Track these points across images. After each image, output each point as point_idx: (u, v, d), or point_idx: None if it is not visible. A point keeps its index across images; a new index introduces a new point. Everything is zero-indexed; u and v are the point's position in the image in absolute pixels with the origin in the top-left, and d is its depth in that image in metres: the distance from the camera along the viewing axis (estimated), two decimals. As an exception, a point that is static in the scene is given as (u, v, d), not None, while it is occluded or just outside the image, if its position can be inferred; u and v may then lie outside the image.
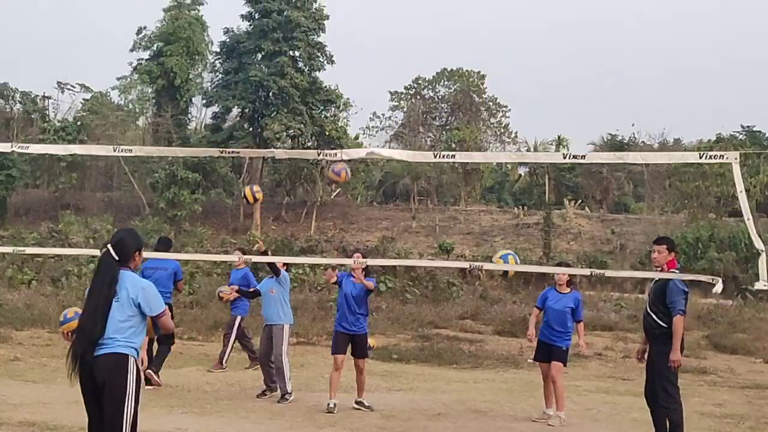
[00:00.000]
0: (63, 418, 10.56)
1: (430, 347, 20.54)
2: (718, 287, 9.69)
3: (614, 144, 63.97)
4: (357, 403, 12.56)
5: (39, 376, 14.28)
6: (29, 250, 23.37)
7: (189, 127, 62.77)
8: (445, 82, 73.75)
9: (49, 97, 65.29)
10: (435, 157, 10.33)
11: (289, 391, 12.85)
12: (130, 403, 6.62)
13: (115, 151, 10.78)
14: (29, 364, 15.73)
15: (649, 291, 10.47)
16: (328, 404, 12.30)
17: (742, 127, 65.29)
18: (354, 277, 12.37)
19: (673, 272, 10.15)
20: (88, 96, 64.32)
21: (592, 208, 60.07)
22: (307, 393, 13.89)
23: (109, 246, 6.93)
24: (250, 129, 55.31)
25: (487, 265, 21.23)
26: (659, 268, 10.40)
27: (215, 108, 58.12)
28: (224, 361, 15.88)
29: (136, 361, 6.77)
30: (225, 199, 54.84)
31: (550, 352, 12.40)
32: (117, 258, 6.88)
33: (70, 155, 53.04)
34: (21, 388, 13.20)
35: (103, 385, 6.59)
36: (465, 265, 26.35)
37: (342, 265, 19.47)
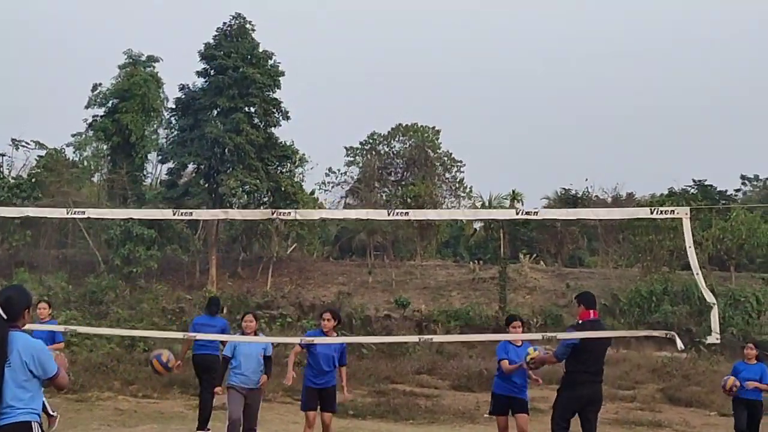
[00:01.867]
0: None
1: (386, 402, 20.58)
2: (680, 344, 9.93)
3: (568, 198, 64.50)
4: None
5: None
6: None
7: (144, 184, 62.55)
8: (400, 137, 74.17)
9: (3, 155, 64.86)
10: (389, 214, 10.45)
11: None
12: None
13: (68, 213, 10.77)
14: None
15: None
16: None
17: (694, 181, 66.25)
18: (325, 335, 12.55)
19: (574, 324, 11.81)
20: (42, 153, 63.90)
21: (547, 262, 60.31)
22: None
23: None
24: (206, 185, 55.16)
25: (436, 338, 21.48)
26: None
27: (171, 164, 57.84)
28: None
29: (39, 425, 6.63)
30: (181, 255, 54.54)
31: (512, 405, 12.62)
32: (5, 317, 6.63)
33: (25, 213, 52.76)
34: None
35: None
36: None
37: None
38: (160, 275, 51.61)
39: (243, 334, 12.87)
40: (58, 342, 14.04)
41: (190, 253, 55.35)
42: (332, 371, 12.61)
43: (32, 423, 6.55)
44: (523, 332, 13.31)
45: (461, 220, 70.57)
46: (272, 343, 13.85)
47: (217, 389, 13.11)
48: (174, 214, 10.34)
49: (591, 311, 11.55)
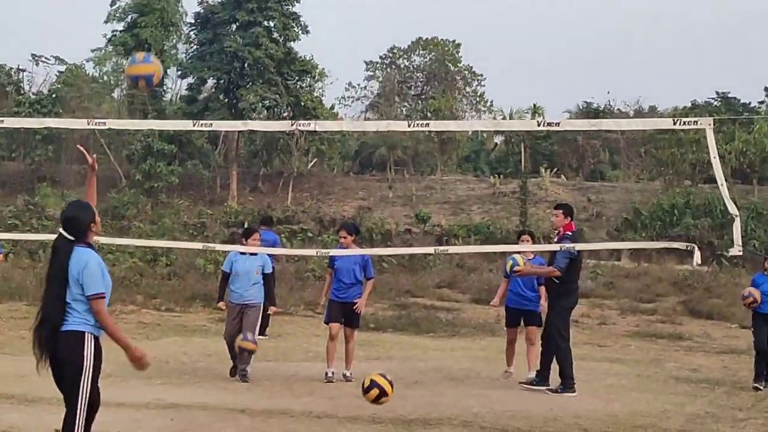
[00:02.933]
0: (41, 391, 10.57)
1: (407, 316, 20.67)
2: (697, 258, 9.92)
3: (589, 111, 63.88)
4: (343, 375, 12.66)
5: (17, 349, 14.29)
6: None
7: (164, 99, 62.33)
8: (421, 52, 73.56)
9: (23, 70, 64.71)
10: (410, 125, 10.37)
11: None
12: (86, 380, 6.66)
13: (89, 124, 10.76)
14: (7, 336, 15.75)
15: None
16: (326, 373, 12.47)
17: (717, 93, 65.38)
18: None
19: (568, 235, 12.13)
20: (62, 68, 63.70)
21: (569, 176, 60.04)
22: (285, 363, 13.98)
23: (60, 229, 6.86)
24: (226, 100, 55.04)
25: (451, 249, 21.51)
26: (557, 231, 12.57)
27: (190, 79, 57.75)
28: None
29: (95, 337, 6.76)
30: (201, 170, 54.59)
31: (524, 317, 12.74)
32: (71, 237, 6.80)
33: (46, 128, 52.93)
34: (-1, 361, 13.23)
35: (62, 362, 6.68)
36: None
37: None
38: (181, 190, 51.76)
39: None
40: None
41: (211, 168, 55.45)
42: (355, 285, 12.62)
43: (85, 333, 6.70)
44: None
45: (482, 134, 70.29)
46: (273, 261, 13.76)
47: (220, 304, 13.10)
48: (194, 125, 10.28)
49: (572, 222, 12.48)
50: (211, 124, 12.86)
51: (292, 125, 9.94)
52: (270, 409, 10.50)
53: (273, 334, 16.72)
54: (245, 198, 52.08)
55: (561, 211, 12.46)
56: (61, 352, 6.65)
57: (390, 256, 29.36)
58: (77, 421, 6.67)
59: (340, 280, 12.54)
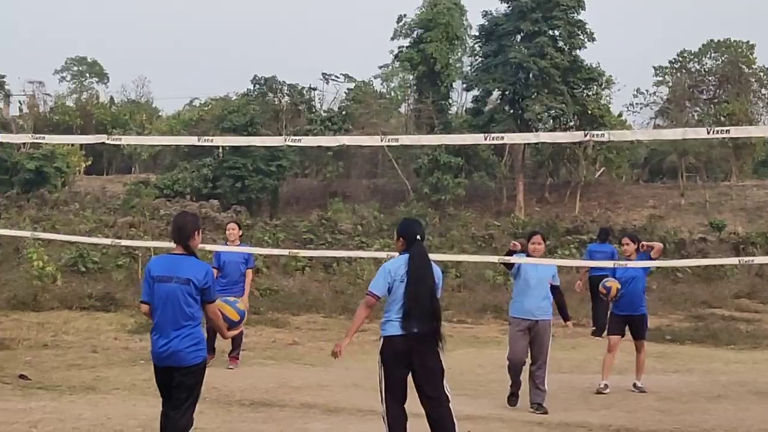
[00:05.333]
0: (342, 401, 10.84)
1: (704, 327, 19.92)
2: None
3: None
4: (633, 385, 12.38)
5: (317, 360, 14.69)
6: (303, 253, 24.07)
7: (450, 112, 63.22)
8: (712, 54, 71.16)
9: (314, 89, 67.30)
10: (708, 132, 9.97)
11: None
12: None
13: (382, 141, 10.97)
14: (307, 348, 16.23)
15: None
16: (600, 385, 12.20)
17: None
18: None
19: None
20: (351, 85, 65.90)
21: None
22: (579, 375, 13.75)
23: (417, 237, 7.93)
24: (511, 111, 55.24)
25: (757, 260, 20.43)
26: None
27: (475, 92, 58.39)
28: None
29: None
30: (488, 182, 54.92)
31: None
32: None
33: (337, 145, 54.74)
34: (300, 371, 13.64)
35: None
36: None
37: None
38: (467, 202, 52.26)
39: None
40: (250, 267, 14.04)
41: (497, 180, 55.66)
42: (636, 299, 12.33)
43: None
44: None
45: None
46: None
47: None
48: (485, 139, 10.28)
49: None
50: (502, 137, 12.79)
51: (585, 136, 9.72)
52: (567, 422, 10.32)
53: (566, 346, 16.52)
54: (532, 208, 52.01)
55: None
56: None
57: (684, 266, 28.49)
58: None
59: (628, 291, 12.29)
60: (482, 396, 11.87)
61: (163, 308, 7.23)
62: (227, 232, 13.91)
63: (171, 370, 7.24)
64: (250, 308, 13.65)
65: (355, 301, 17.64)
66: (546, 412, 10.73)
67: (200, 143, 11.23)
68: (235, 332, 8.11)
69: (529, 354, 10.96)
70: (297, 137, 11.52)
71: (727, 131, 10.17)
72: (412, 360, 7.66)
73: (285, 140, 11.41)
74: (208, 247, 14.29)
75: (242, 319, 8.01)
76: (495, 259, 10.80)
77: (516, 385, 11.05)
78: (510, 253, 11.04)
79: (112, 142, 11.03)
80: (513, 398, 11.07)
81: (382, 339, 7.74)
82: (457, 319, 20.60)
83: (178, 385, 7.24)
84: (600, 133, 10.02)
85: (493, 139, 10.92)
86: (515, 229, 40.04)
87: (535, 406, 10.84)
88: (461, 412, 10.73)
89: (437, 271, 7.93)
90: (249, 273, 13.87)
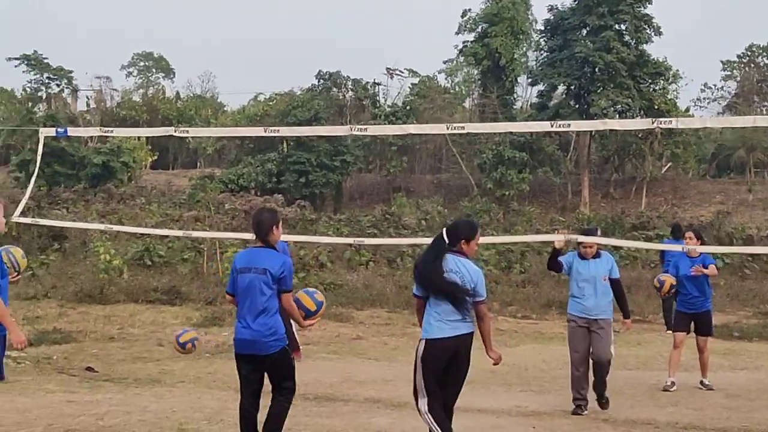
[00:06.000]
0: (406, 395, 10.78)
1: (773, 324, 19.61)
2: None
3: None
4: (700, 383, 12.22)
5: (381, 354, 14.72)
6: (367, 241, 23.91)
7: (515, 107, 62.93)
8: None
9: (379, 84, 67.32)
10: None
11: None
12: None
13: (448, 129, 10.99)
14: (371, 342, 16.24)
15: None
16: (666, 382, 12.06)
17: None
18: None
19: None
20: (415, 80, 65.86)
21: None
22: (645, 372, 13.61)
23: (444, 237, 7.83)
24: (577, 106, 54.83)
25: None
26: None
27: (540, 86, 58.09)
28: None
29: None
30: (552, 177, 54.57)
31: None
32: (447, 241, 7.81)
33: (401, 139, 54.79)
34: (364, 366, 13.66)
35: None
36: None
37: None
38: (531, 198, 52.00)
39: None
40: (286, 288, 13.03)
41: (562, 175, 55.28)
42: (702, 296, 12.16)
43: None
44: None
45: None
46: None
47: None
48: (552, 126, 10.20)
49: None
50: (569, 125, 12.68)
51: (652, 123, 9.62)
52: (633, 419, 10.22)
53: (632, 342, 16.36)
54: (597, 204, 51.58)
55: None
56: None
57: (753, 261, 28.02)
58: None
59: (687, 288, 12.10)
60: (547, 392, 11.80)
61: (244, 298, 7.66)
62: None
63: (254, 358, 7.62)
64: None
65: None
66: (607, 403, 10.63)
67: (267, 134, 11.34)
68: (311, 322, 8.29)
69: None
70: (362, 125, 11.54)
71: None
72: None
73: (351, 129, 11.44)
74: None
75: (319, 310, 8.23)
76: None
77: (579, 392, 10.52)
78: (555, 254, 10.65)
79: (179, 135, 11.15)
80: (579, 406, 10.51)
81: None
82: (521, 314, 20.49)
83: (271, 373, 7.72)
84: (668, 120, 9.94)
85: (559, 126, 10.82)
86: (580, 224, 39.71)
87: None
88: (526, 408, 10.70)
89: (467, 271, 7.67)
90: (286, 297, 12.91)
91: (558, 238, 10.52)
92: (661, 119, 9.74)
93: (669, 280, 12.10)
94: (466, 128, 11.10)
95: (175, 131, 10.91)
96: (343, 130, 10.84)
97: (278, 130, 12.15)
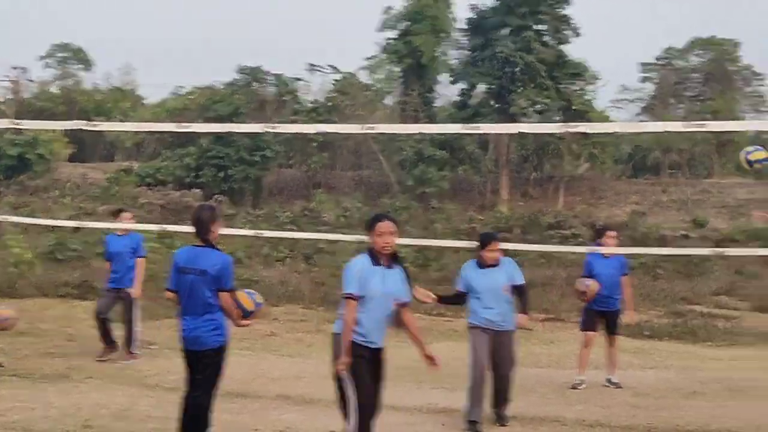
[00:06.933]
0: (317, 392, 10.80)
1: (683, 324, 19.94)
2: None
3: None
4: (608, 380, 12.41)
5: (295, 351, 14.71)
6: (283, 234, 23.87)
7: (436, 105, 63.10)
8: (698, 52, 71.35)
9: (300, 79, 66.97)
10: (685, 127, 9.99)
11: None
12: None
13: (362, 129, 10.97)
14: (285, 339, 16.21)
15: None
16: (575, 380, 12.22)
17: None
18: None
19: None
20: (337, 77, 65.70)
21: None
22: (557, 370, 13.76)
23: None
24: (497, 105, 55.17)
25: (728, 251, 20.45)
26: None
27: (461, 85, 58.32)
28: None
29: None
30: (472, 175, 54.89)
31: None
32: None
33: (321, 135, 54.63)
34: (278, 362, 13.63)
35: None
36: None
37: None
38: (451, 195, 52.20)
39: None
40: (140, 256, 13.47)
41: (481, 174, 55.61)
42: (613, 296, 12.37)
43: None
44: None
45: (763, 135, 67.38)
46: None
47: None
48: (463, 129, 10.25)
49: None
50: (479, 127, 12.77)
51: (563, 127, 9.75)
52: (542, 417, 10.33)
53: (545, 341, 16.54)
54: (515, 203, 51.98)
55: None
56: None
57: (665, 261, 28.51)
58: None
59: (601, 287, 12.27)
60: (459, 389, 11.76)
61: (187, 297, 7.86)
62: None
63: (195, 353, 7.88)
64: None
65: (335, 293, 17.63)
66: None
67: (179, 130, 11.19)
68: (248, 322, 8.27)
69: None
70: (275, 124, 11.43)
71: (703, 125, 10.21)
72: None
73: (264, 128, 11.39)
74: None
75: (257, 310, 8.31)
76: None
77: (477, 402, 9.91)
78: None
79: (89, 128, 10.99)
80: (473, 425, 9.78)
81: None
82: (436, 311, 20.54)
83: (201, 367, 7.89)
84: (578, 124, 10.04)
85: (471, 128, 10.88)
86: (498, 223, 40.05)
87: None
88: (437, 405, 10.76)
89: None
90: (139, 262, 13.44)
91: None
92: (571, 123, 9.86)
93: (594, 286, 11.98)
94: (376, 128, 11.09)
95: (86, 125, 10.76)
96: (257, 128, 10.77)
97: (190, 126, 11.99)
